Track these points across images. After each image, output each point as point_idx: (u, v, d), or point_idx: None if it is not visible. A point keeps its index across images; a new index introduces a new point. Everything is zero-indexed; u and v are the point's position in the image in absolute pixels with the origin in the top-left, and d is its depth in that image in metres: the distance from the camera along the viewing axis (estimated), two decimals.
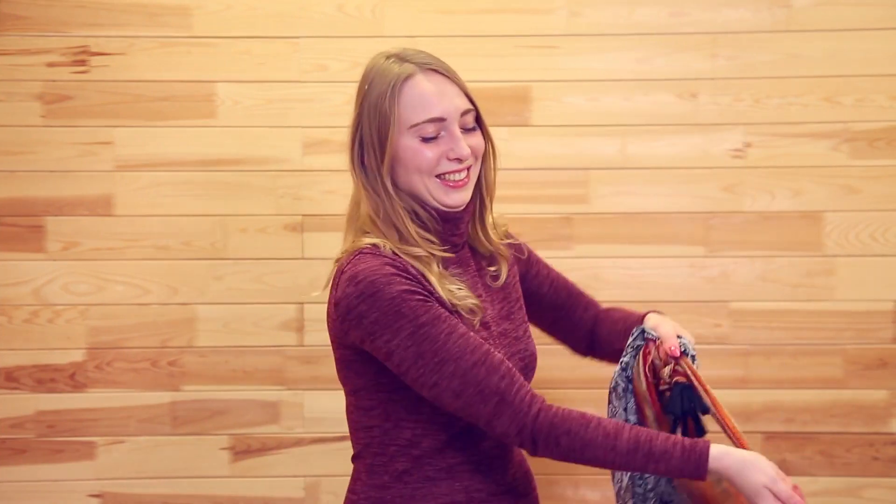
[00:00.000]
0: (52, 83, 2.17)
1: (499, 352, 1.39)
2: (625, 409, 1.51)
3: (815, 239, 2.17)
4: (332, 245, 2.16)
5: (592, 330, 1.66)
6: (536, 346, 1.55)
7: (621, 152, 2.18)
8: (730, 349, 2.18)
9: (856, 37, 2.16)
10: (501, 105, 2.17)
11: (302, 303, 2.18)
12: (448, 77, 1.42)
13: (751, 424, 2.17)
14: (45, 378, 2.18)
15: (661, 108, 2.18)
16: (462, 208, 1.44)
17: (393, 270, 1.34)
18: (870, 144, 2.17)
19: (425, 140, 1.39)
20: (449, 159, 1.40)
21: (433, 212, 1.43)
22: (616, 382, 1.53)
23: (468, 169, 1.42)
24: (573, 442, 1.31)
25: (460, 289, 1.40)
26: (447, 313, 1.35)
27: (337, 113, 2.17)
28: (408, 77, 1.39)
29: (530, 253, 1.64)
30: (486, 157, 1.47)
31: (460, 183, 1.41)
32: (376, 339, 1.34)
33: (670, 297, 2.17)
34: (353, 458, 1.50)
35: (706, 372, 2.17)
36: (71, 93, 2.17)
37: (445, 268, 1.43)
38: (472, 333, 1.35)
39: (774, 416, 2.18)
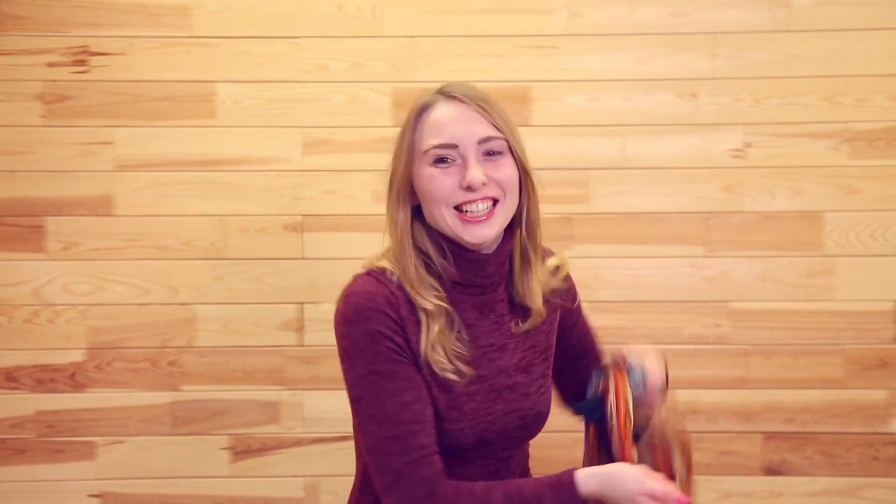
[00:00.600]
0: (52, 83, 2.17)
1: (495, 406, 1.36)
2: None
3: (815, 239, 2.17)
4: (331, 245, 2.17)
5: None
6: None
7: (621, 152, 2.18)
8: (730, 349, 2.18)
9: (856, 37, 2.16)
10: (501, 105, 2.17)
11: (302, 303, 2.18)
12: (475, 105, 1.34)
13: (751, 424, 2.17)
14: (45, 378, 2.18)
15: (661, 108, 2.18)
16: (488, 248, 1.36)
17: (382, 305, 1.31)
18: (870, 144, 2.17)
19: (439, 167, 1.33)
20: (460, 187, 1.32)
21: (458, 249, 1.35)
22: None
23: (494, 202, 1.33)
24: None
25: (455, 351, 1.34)
26: (407, 372, 1.30)
27: (337, 113, 2.18)
28: (427, 105, 1.35)
29: (578, 302, 1.53)
30: (525, 193, 1.38)
31: (479, 217, 1.32)
32: (342, 361, 1.34)
33: (670, 297, 2.17)
34: (356, 464, 1.48)
35: (706, 372, 2.19)
36: (71, 93, 2.17)
37: (460, 313, 1.36)
38: (416, 406, 1.29)
39: (774, 416, 2.18)
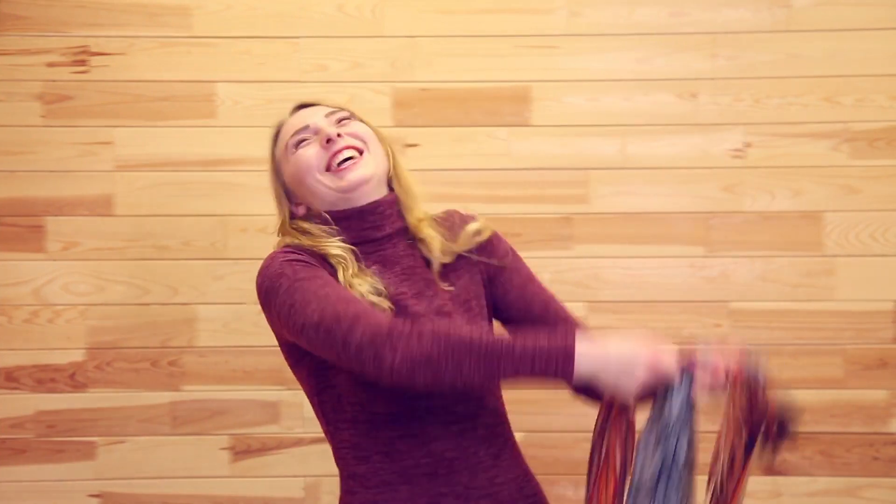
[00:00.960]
0: (52, 83, 2.17)
1: None
2: (674, 452, 1.24)
3: (815, 239, 2.17)
4: None
5: None
6: None
7: (621, 152, 2.18)
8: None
9: (856, 37, 2.16)
10: (501, 105, 2.17)
11: None
12: (314, 105, 1.49)
13: None
14: (45, 378, 2.18)
15: (661, 108, 2.18)
16: (365, 198, 1.41)
17: (291, 250, 1.37)
18: (870, 144, 2.17)
19: (299, 148, 1.43)
20: (322, 147, 1.40)
21: (342, 212, 1.41)
22: (648, 435, 1.26)
23: (358, 151, 1.41)
24: (434, 341, 1.19)
25: (374, 286, 1.36)
26: (329, 277, 1.34)
27: None
28: (280, 125, 1.50)
29: (511, 260, 1.52)
30: (391, 158, 1.48)
31: (349, 164, 1.40)
32: (267, 310, 1.35)
33: (670, 297, 2.17)
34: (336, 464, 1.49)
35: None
36: (71, 93, 2.17)
37: (367, 265, 1.41)
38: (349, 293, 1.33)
39: None
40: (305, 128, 1.44)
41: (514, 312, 1.51)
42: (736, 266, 2.18)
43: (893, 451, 2.17)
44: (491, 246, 1.52)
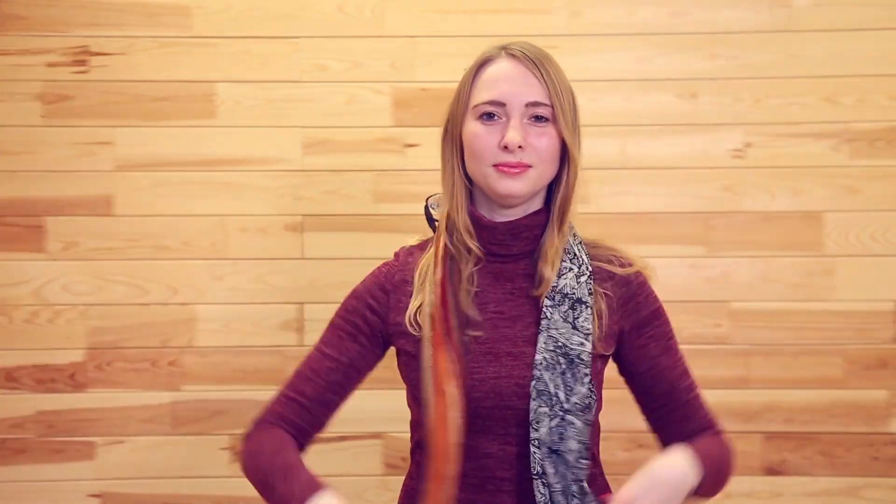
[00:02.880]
0: (52, 83, 2.17)
1: (488, 367, 1.36)
2: None
3: (815, 239, 2.17)
4: (332, 245, 2.18)
5: None
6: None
7: (621, 152, 2.18)
8: (730, 349, 2.18)
9: (856, 37, 2.16)
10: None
11: (302, 303, 2.18)
12: (533, 66, 1.37)
13: (751, 424, 2.17)
14: (45, 378, 2.18)
15: (661, 108, 2.18)
16: (510, 214, 1.40)
17: (380, 273, 1.46)
18: (870, 144, 2.17)
19: (484, 122, 1.37)
20: (499, 147, 1.35)
21: (479, 219, 1.41)
22: None
23: (528, 166, 1.36)
24: (246, 454, 1.47)
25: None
26: (343, 334, 1.44)
27: (337, 113, 2.18)
28: (487, 60, 1.40)
29: (651, 319, 1.45)
30: (564, 168, 1.40)
31: (514, 171, 1.35)
32: None
33: (670, 297, 2.14)
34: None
35: (706, 372, 2.18)
36: (71, 93, 2.17)
37: (477, 276, 1.41)
38: (326, 362, 1.43)
39: (774, 416, 2.18)
40: (500, 105, 1.36)
41: (641, 383, 1.46)
42: (736, 266, 2.18)
43: (893, 451, 2.17)
44: (635, 302, 1.44)
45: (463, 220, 1.41)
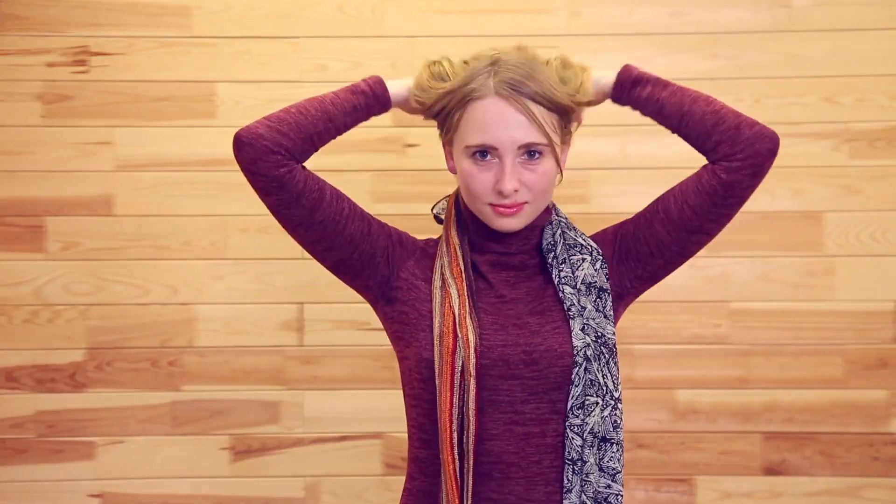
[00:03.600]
0: (52, 83, 2.17)
1: (496, 335, 1.39)
2: None
3: (815, 239, 2.17)
4: None
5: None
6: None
7: (621, 152, 2.18)
8: (730, 349, 2.18)
9: (856, 37, 2.16)
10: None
11: (302, 303, 2.18)
12: (523, 105, 1.37)
13: (751, 424, 2.17)
14: (45, 378, 2.18)
15: None
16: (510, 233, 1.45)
17: (417, 241, 1.51)
18: (870, 144, 2.17)
19: (477, 162, 1.39)
20: (493, 189, 1.39)
21: (483, 227, 1.46)
22: None
23: (524, 204, 1.41)
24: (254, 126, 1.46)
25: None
26: (368, 216, 1.47)
27: None
28: (479, 98, 1.38)
29: (614, 235, 1.52)
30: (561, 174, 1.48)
31: (509, 211, 1.40)
32: None
33: (670, 297, 2.17)
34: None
35: (706, 372, 2.19)
36: (71, 93, 2.17)
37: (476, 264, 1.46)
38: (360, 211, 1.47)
39: (774, 416, 2.18)
40: (493, 148, 1.38)
41: (654, 243, 1.48)
42: (736, 266, 2.18)
43: (893, 451, 2.17)
44: (609, 250, 1.50)
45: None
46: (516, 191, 1.38)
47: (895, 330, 2.17)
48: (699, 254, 2.18)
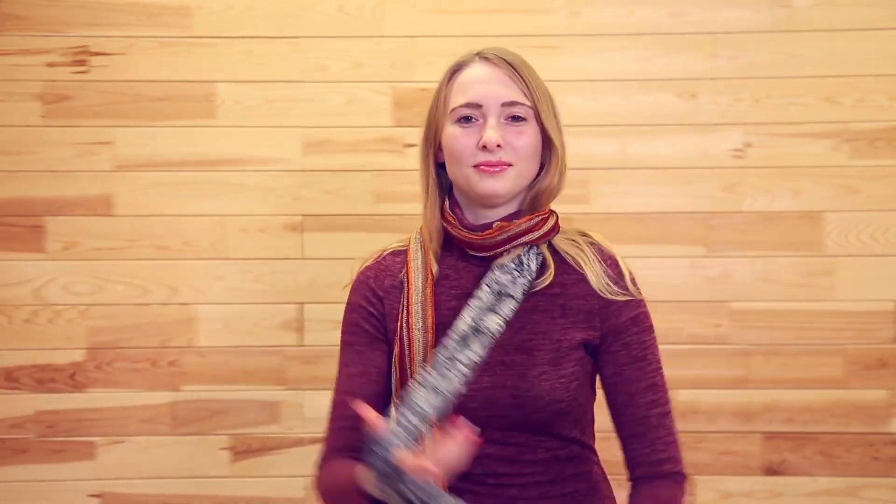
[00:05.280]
0: (52, 83, 2.17)
1: (481, 378, 1.35)
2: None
3: (815, 239, 2.17)
4: (331, 245, 2.18)
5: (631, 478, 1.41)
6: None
7: (621, 152, 2.18)
8: (730, 349, 2.18)
9: (856, 37, 2.16)
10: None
11: (302, 303, 2.18)
12: (507, 67, 1.38)
13: (751, 424, 2.17)
14: (45, 378, 2.18)
15: (661, 108, 2.18)
16: (493, 203, 1.39)
17: (367, 276, 1.46)
18: (870, 144, 2.17)
19: (462, 125, 1.38)
20: (478, 147, 1.36)
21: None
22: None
23: (508, 165, 1.37)
24: (322, 491, 1.40)
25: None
26: (360, 346, 1.43)
27: (337, 113, 2.18)
28: (461, 65, 1.41)
29: (628, 327, 1.42)
30: (546, 162, 1.42)
31: (494, 170, 1.36)
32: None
33: (670, 297, 2.17)
34: None
35: (706, 372, 2.19)
36: (71, 93, 2.17)
37: (460, 279, 1.41)
38: (357, 378, 1.41)
39: (774, 416, 2.18)
40: (477, 107, 1.37)
41: (607, 392, 1.42)
42: (736, 266, 2.18)
43: (893, 451, 2.17)
44: (615, 305, 1.42)
45: (437, 227, 1.43)
46: (499, 146, 1.35)
47: (895, 330, 2.17)
48: (699, 254, 2.20)
